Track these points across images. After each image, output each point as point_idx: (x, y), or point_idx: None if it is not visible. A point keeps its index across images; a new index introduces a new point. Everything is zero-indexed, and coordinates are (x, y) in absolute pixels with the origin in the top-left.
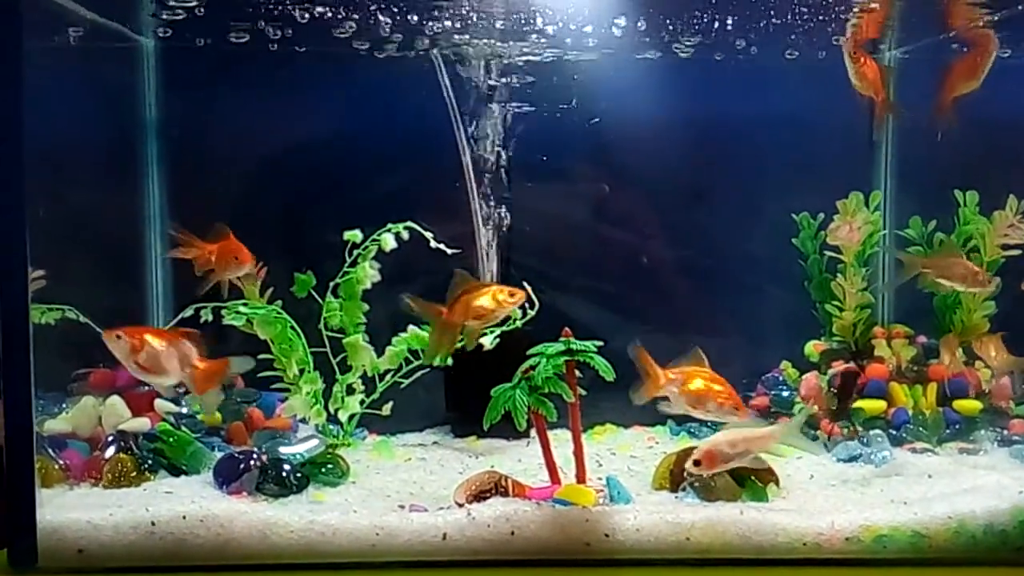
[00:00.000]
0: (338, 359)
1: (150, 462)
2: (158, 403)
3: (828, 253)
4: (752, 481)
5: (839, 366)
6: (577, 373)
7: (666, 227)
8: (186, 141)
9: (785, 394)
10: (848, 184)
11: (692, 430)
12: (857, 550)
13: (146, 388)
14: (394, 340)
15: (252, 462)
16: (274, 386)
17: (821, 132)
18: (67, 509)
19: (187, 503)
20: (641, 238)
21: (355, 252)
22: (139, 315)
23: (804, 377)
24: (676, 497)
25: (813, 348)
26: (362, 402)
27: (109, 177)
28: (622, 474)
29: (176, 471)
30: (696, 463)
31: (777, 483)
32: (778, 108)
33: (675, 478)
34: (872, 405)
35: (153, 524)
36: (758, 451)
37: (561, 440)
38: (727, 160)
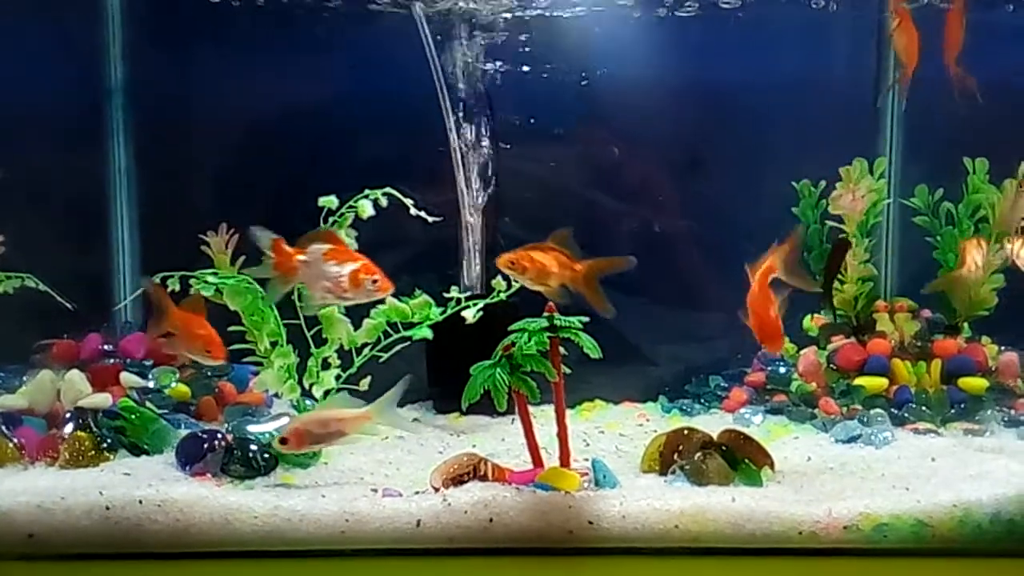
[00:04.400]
0: (312, 332)
1: (110, 441)
2: (124, 376)
3: (829, 223)
4: (746, 464)
5: (839, 341)
6: (562, 350)
7: (660, 195)
8: (154, 100)
9: (782, 370)
10: (851, 150)
11: (684, 407)
12: (856, 539)
13: (111, 361)
14: (372, 312)
15: (216, 442)
16: (245, 359)
17: (823, 94)
18: (17, 492)
19: (144, 487)
20: (633, 206)
21: (331, 219)
22: (105, 282)
23: (802, 352)
24: (665, 481)
25: (812, 322)
26: (338, 377)
27: (72, 137)
28: (610, 455)
29: (137, 451)
30: (283, 441)
31: (772, 466)
32: (777, 68)
33: (665, 460)
34: (873, 382)
35: (108, 508)
36: (352, 431)
37: (548, 417)
38: (723, 124)
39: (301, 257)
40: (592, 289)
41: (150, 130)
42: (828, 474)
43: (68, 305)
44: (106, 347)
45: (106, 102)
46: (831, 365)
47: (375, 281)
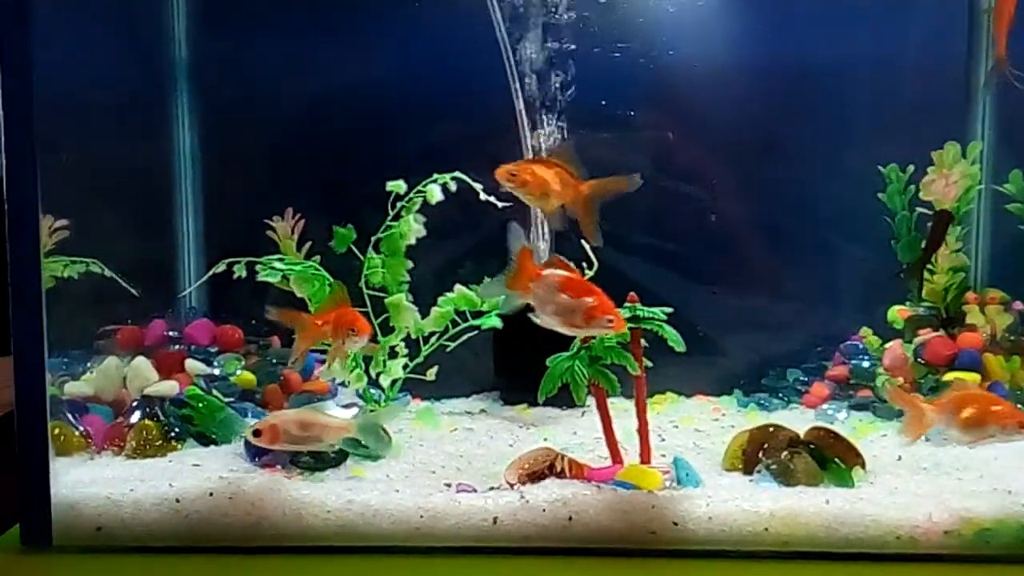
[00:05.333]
0: (380, 320)
1: (177, 429)
2: (189, 363)
3: (919, 209)
4: (836, 463)
5: (926, 334)
6: (643, 343)
7: (737, 180)
8: (219, 83)
9: (866, 364)
10: (943, 133)
11: (762, 402)
12: (957, 545)
13: (176, 347)
14: (440, 300)
15: None
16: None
17: (913, 74)
18: (85, 482)
19: (215, 478)
20: (710, 192)
21: (399, 204)
22: (169, 269)
23: (888, 346)
24: (750, 480)
25: (898, 314)
26: (405, 366)
27: (137, 121)
28: (687, 451)
29: (205, 440)
30: (256, 433)
31: (863, 466)
32: (863, 47)
33: (748, 459)
34: (965, 378)
35: (178, 501)
36: (330, 440)
37: (618, 410)
38: (806, 105)
39: (537, 281)
40: (589, 214)
41: (215, 114)
42: (922, 475)
43: (132, 291)
44: (171, 333)
45: (171, 85)
46: (919, 359)
47: (610, 321)
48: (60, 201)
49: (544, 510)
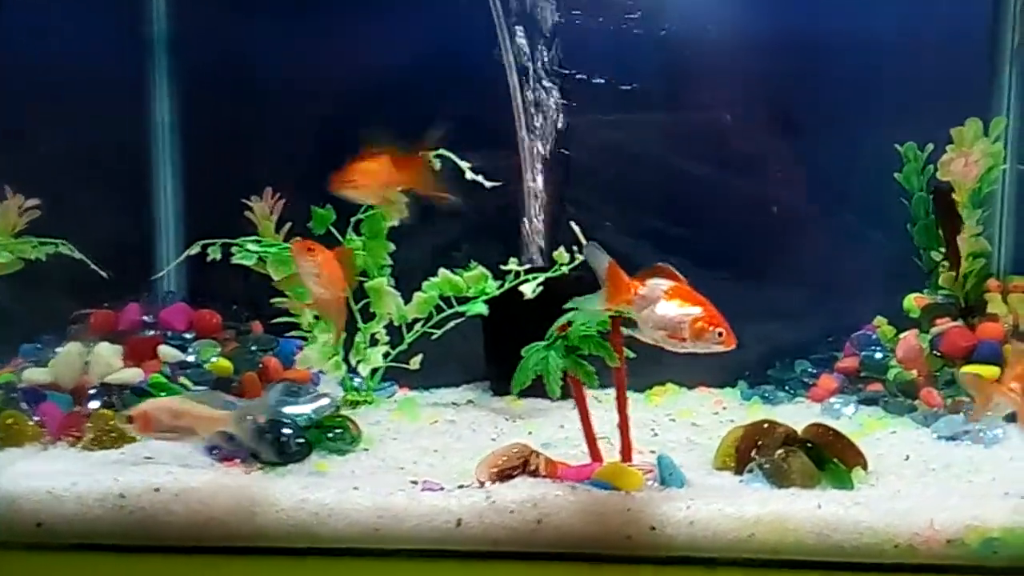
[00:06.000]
0: (360, 305)
1: None
2: (162, 349)
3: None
4: (834, 463)
5: (944, 324)
6: (626, 331)
7: (746, 159)
8: (198, 57)
9: (878, 355)
10: (963, 109)
11: (767, 395)
12: (961, 556)
13: (152, 332)
14: (424, 285)
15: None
16: (289, 334)
17: (930, 46)
18: (29, 475)
19: (163, 473)
20: (716, 172)
21: None
22: (146, 251)
23: (902, 336)
24: (741, 481)
25: (914, 302)
26: (386, 355)
27: (111, 94)
28: (680, 446)
29: None
30: (128, 419)
31: (865, 466)
32: (878, 18)
33: (741, 456)
34: (983, 372)
35: (122, 496)
36: (203, 432)
37: (613, 401)
38: (817, 80)
39: (641, 290)
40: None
41: (195, 86)
42: (929, 476)
43: (102, 273)
44: (146, 318)
45: (147, 56)
46: (935, 351)
47: (720, 334)
48: (31, 179)
49: (512, 511)
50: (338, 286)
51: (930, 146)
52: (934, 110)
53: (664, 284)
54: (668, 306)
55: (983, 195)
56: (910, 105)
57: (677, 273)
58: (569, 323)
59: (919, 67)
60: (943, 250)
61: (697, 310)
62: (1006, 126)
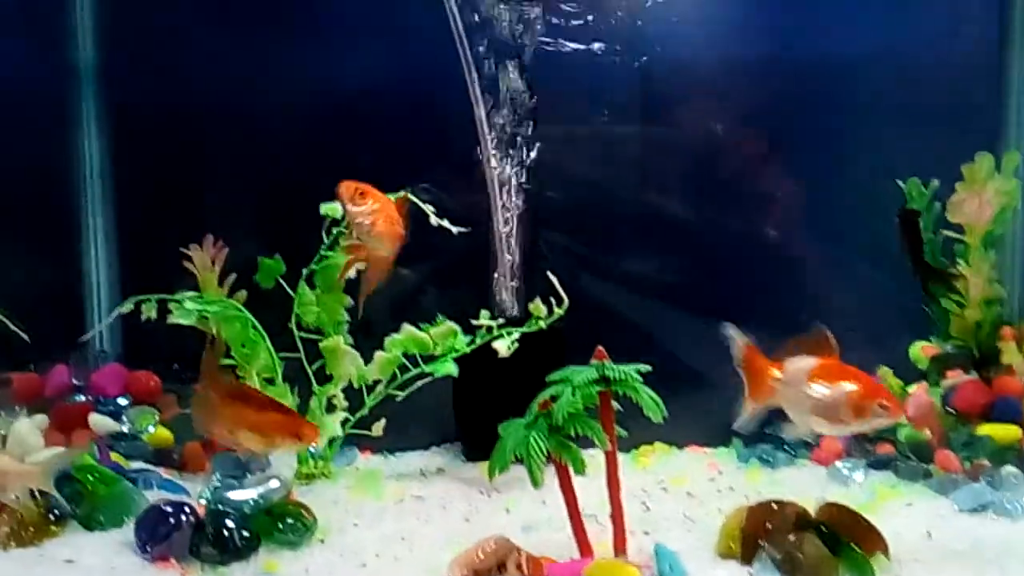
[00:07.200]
0: (315, 367)
1: (56, 512)
2: (93, 419)
3: (945, 232)
4: (851, 549)
5: (956, 376)
6: (615, 406)
7: (732, 195)
8: (132, 86)
9: None
10: (972, 142)
11: (765, 456)
12: None
13: (82, 398)
14: (387, 343)
15: (183, 518)
16: None
17: (938, 73)
18: None
19: None
20: (699, 210)
21: (335, 231)
22: (75, 306)
23: (911, 391)
24: (750, 573)
25: (921, 352)
26: (345, 421)
27: (35, 130)
28: (676, 524)
29: (91, 524)
30: None
31: (887, 552)
32: (880, 42)
33: (747, 542)
34: (1004, 431)
35: None
36: (14, 489)
37: (599, 465)
38: (811, 110)
39: (778, 375)
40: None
41: (128, 122)
42: (956, 561)
43: (22, 335)
44: (76, 382)
45: (75, 88)
46: (947, 407)
47: (883, 406)
48: None
49: None
50: (395, 240)
51: (935, 181)
52: (939, 142)
53: (806, 363)
54: (817, 388)
55: (995, 236)
56: (912, 135)
57: (831, 338)
58: (553, 397)
59: (925, 94)
60: (953, 296)
61: (851, 386)
62: (1022, 160)
